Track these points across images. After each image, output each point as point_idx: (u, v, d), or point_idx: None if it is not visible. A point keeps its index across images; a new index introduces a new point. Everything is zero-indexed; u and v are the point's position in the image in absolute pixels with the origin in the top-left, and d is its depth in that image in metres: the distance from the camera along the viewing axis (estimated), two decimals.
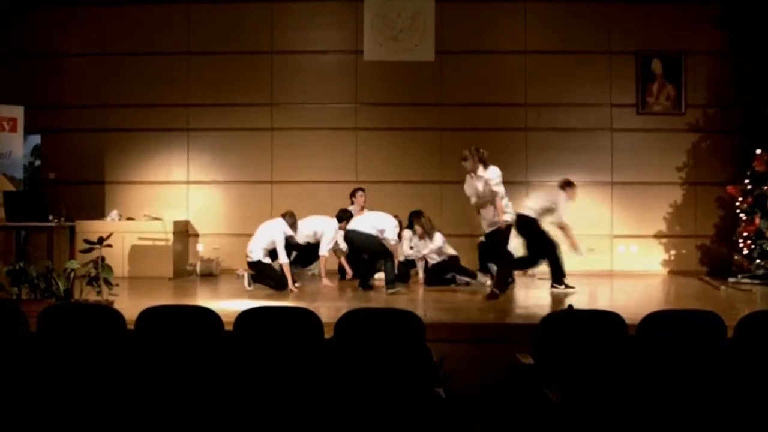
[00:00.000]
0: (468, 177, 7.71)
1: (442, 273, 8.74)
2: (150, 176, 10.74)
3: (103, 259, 6.11)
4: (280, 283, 8.14)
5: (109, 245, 6.32)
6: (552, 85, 10.50)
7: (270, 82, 10.68)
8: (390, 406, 3.53)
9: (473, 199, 7.74)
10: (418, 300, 7.68)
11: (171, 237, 9.86)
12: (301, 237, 8.66)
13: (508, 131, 10.49)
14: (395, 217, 8.69)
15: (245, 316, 3.99)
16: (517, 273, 8.77)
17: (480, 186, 7.56)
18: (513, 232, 7.90)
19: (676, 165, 10.46)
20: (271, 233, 8.27)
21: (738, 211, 9.42)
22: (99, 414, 3.53)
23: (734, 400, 3.59)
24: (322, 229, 8.61)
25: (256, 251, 8.25)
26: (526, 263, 8.63)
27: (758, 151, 9.23)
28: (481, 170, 7.54)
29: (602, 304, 7.51)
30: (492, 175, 7.49)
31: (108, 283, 6.08)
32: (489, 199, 7.57)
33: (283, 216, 8.40)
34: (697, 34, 10.44)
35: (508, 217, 7.56)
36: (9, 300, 5.91)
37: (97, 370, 3.81)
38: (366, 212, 9.03)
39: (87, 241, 6.27)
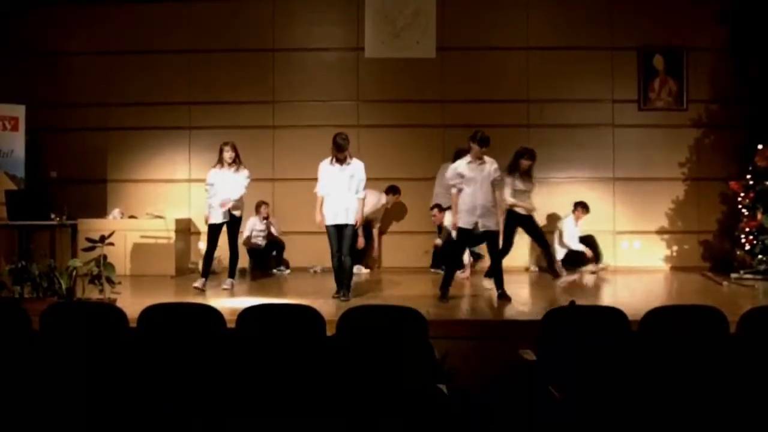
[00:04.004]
0: (329, 165, 7.44)
1: None
2: (152, 174, 10.75)
3: (105, 257, 6.12)
4: None
5: (111, 243, 6.34)
6: (554, 81, 10.49)
7: (272, 80, 10.68)
8: (393, 403, 3.53)
9: (334, 192, 7.40)
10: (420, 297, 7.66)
11: (173, 235, 9.87)
12: None
13: (511, 128, 10.45)
14: None
15: (247, 313, 3.99)
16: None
17: (348, 174, 7.39)
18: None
19: (678, 161, 10.45)
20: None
21: (740, 206, 9.40)
22: (101, 412, 3.53)
23: (737, 395, 3.58)
24: None
25: None
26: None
27: (760, 147, 9.20)
28: (352, 160, 7.45)
29: (605, 300, 7.50)
30: (361, 166, 7.44)
31: (110, 282, 6.09)
32: (348, 191, 7.39)
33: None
34: (699, 30, 10.43)
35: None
36: (11, 298, 5.93)
37: (99, 368, 3.82)
38: None
39: (89, 240, 6.28)
